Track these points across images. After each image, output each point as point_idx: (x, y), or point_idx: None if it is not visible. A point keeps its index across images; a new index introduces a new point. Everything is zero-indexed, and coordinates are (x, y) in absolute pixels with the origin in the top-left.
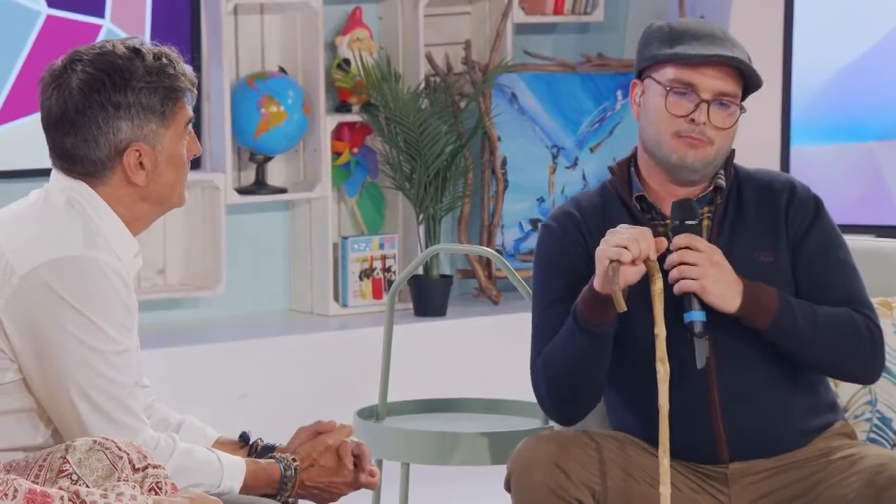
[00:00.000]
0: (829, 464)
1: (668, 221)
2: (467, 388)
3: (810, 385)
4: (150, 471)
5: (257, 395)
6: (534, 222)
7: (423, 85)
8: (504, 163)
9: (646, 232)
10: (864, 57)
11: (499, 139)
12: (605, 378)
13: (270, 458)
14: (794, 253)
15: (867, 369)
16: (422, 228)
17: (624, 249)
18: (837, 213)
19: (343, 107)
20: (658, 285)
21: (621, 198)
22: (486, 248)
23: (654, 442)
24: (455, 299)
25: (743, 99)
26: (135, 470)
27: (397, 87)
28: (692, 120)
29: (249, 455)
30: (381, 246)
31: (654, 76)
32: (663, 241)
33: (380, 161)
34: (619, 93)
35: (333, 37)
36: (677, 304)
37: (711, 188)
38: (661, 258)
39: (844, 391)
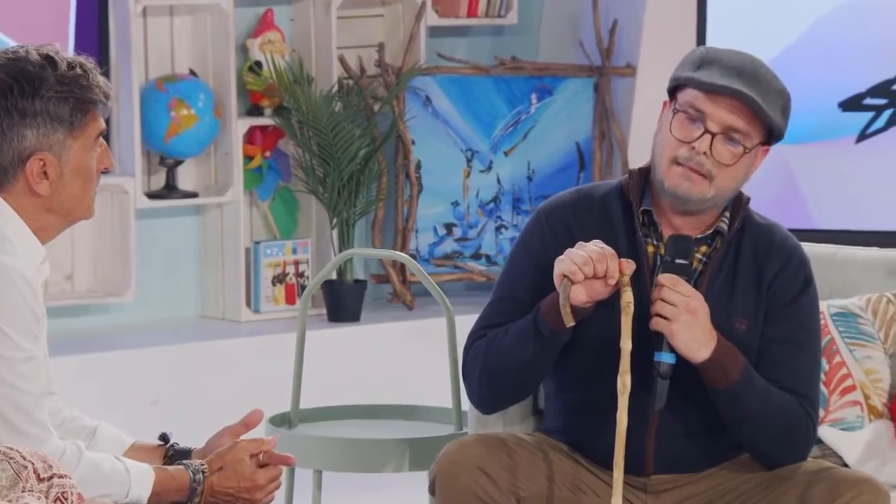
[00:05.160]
0: (756, 476)
1: (661, 244)
2: (381, 395)
3: None
4: (55, 481)
5: (169, 402)
6: (448, 226)
7: (335, 88)
8: (418, 166)
9: (608, 254)
10: (775, 60)
11: (413, 143)
12: (540, 380)
13: (179, 464)
14: (765, 323)
15: (791, 459)
16: (335, 233)
17: (577, 269)
18: None
19: (255, 110)
20: (626, 297)
21: (628, 203)
22: (399, 253)
23: (584, 450)
24: (369, 304)
25: (767, 145)
26: (40, 480)
27: (310, 90)
28: (693, 147)
29: (165, 456)
30: (294, 251)
31: (676, 97)
32: (632, 264)
33: (292, 165)
34: (533, 96)
35: (245, 39)
36: (641, 318)
37: (713, 231)
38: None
39: None
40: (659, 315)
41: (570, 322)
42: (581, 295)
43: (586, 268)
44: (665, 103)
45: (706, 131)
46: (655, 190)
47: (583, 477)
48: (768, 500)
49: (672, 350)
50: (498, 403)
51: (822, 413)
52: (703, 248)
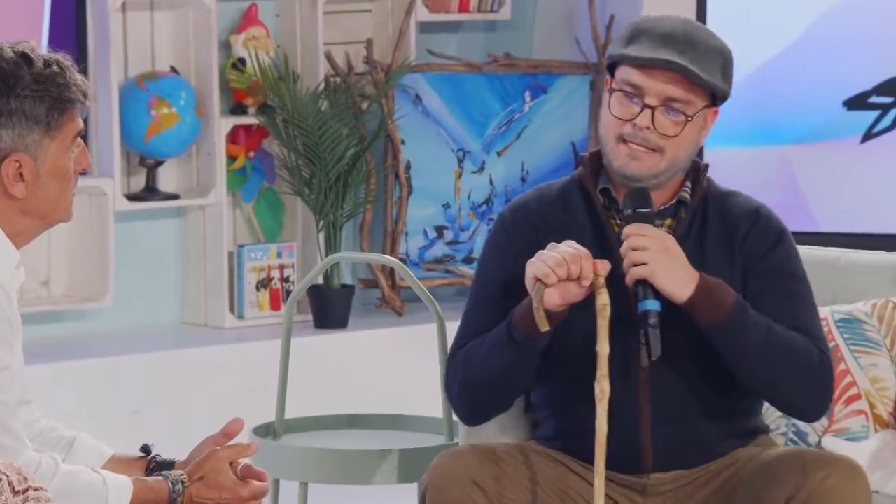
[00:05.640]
0: (744, 468)
1: (625, 222)
2: (370, 404)
3: (745, 411)
4: (31, 493)
5: (150, 411)
6: (439, 229)
7: (322, 86)
8: (408, 167)
9: (581, 255)
10: (777, 59)
11: (402, 142)
12: (522, 388)
13: (159, 475)
14: (748, 278)
15: (812, 404)
16: (322, 236)
17: (551, 271)
18: None
19: (238, 108)
20: (601, 300)
21: (586, 190)
22: (388, 257)
23: (577, 455)
24: (357, 310)
25: (714, 105)
26: (15, 493)
27: (295, 88)
28: (635, 124)
29: (147, 468)
30: (279, 254)
31: (615, 75)
32: (606, 264)
33: (277, 165)
34: (527, 94)
35: (228, 35)
36: (619, 318)
37: (675, 201)
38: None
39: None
40: (634, 265)
41: (544, 327)
42: (555, 298)
43: (560, 269)
44: (607, 81)
45: (645, 106)
46: (608, 168)
47: (574, 485)
48: (755, 491)
49: (655, 297)
50: (480, 414)
51: (825, 422)
52: (668, 221)
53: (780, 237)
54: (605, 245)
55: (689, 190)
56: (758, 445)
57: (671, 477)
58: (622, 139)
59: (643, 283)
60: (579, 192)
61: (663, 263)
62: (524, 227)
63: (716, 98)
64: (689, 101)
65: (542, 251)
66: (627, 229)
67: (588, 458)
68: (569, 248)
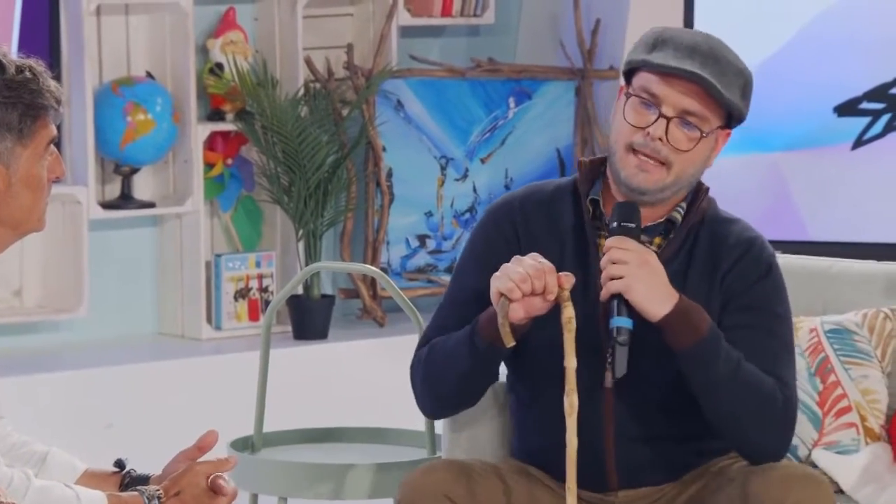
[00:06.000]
0: (713, 481)
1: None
2: (350, 416)
3: (711, 432)
4: None
5: (124, 425)
6: (421, 238)
7: (302, 91)
8: (389, 174)
9: (546, 269)
10: (766, 62)
11: (384, 149)
12: (483, 390)
13: (134, 490)
14: (726, 314)
15: (766, 446)
16: (301, 245)
17: (515, 287)
18: None
19: (216, 115)
20: (567, 314)
21: (577, 196)
22: (369, 267)
23: (549, 471)
24: (337, 321)
25: (728, 128)
26: None
27: (274, 94)
28: (648, 133)
29: (122, 484)
30: (258, 264)
31: (632, 81)
32: (570, 277)
33: (256, 173)
34: (511, 100)
35: (205, 39)
36: (590, 334)
37: (664, 219)
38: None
39: None
40: (611, 278)
41: (510, 342)
42: (519, 312)
43: (524, 285)
44: (621, 88)
45: (661, 116)
46: (610, 179)
47: (548, 502)
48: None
49: (629, 315)
50: (441, 410)
51: (815, 435)
52: (658, 240)
53: (769, 271)
54: (585, 256)
55: (682, 211)
56: (729, 458)
57: (640, 494)
58: (632, 149)
59: (618, 298)
60: (571, 197)
61: (640, 278)
62: (505, 225)
63: (731, 119)
64: (704, 118)
65: (506, 265)
66: (609, 242)
67: (559, 475)
68: (533, 261)
